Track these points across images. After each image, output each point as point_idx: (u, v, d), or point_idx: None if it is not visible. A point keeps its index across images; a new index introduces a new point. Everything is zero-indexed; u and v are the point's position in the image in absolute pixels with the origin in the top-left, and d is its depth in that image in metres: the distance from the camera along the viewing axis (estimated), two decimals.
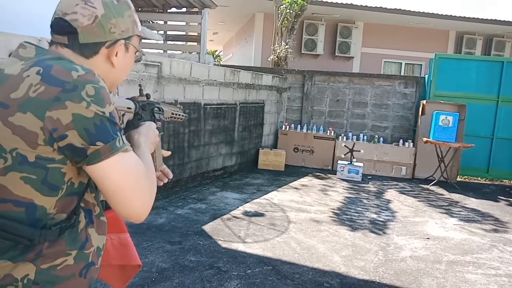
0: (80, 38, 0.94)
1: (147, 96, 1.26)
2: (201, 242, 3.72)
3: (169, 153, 1.36)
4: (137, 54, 1.08)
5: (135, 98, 1.22)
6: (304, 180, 6.66)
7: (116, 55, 1.00)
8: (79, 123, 0.82)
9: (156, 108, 1.27)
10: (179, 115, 1.51)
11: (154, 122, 1.23)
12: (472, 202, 5.91)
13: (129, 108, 1.14)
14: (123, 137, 0.90)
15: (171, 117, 1.46)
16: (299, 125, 8.10)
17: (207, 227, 4.12)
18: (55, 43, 0.97)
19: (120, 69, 1.04)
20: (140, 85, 1.33)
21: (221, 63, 18.19)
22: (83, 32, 0.94)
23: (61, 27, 0.94)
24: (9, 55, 0.95)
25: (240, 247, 3.67)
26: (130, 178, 0.89)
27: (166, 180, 1.27)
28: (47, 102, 0.82)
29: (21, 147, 0.83)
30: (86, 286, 0.98)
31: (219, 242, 3.75)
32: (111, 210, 1.68)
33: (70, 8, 0.93)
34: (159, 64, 4.86)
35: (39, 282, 0.87)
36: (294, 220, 4.53)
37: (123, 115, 1.11)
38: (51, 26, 0.96)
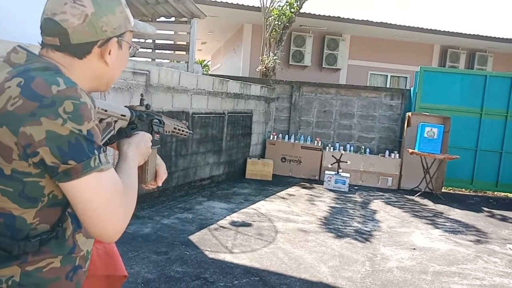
0: (71, 38, 0.91)
1: (147, 106, 1.23)
2: (187, 253, 3.67)
3: (165, 175, 1.30)
4: (131, 49, 1.06)
5: (134, 107, 1.19)
6: (292, 190, 6.66)
7: (109, 54, 0.97)
8: (52, 140, 0.80)
9: (155, 120, 1.24)
10: (183, 131, 1.46)
11: (151, 134, 1.20)
12: (457, 213, 5.99)
13: (123, 116, 1.10)
14: (102, 155, 0.86)
15: (173, 132, 1.41)
16: (286, 135, 8.14)
17: (193, 237, 4.07)
18: (46, 45, 0.94)
19: (115, 67, 1.01)
20: (142, 95, 1.31)
21: (210, 72, 18.21)
22: (74, 32, 0.90)
23: (51, 28, 0.91)
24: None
25: (227, 257, 3.64)
26: (101, 199, 0.85)
27: (152, 187, 1.27)
28: (22, 117, 0.80)
29: None
30: None
31: (206, 252, 3.71)
32: None
33: (59, 8, 0.90)
34: (148, 72, 4.84)
35: (24, 284, 0.87)
36: (281, 230, 4.51)
37: (115, 121, 1.08)
38: (41, 27, 0.93)
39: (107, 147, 1.12)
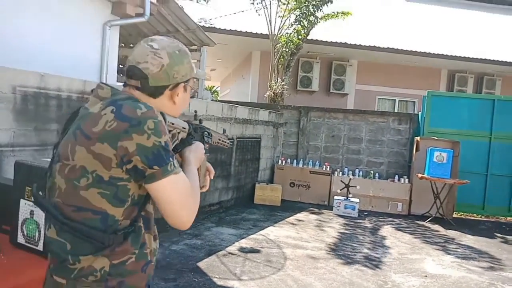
0: (150, 82, 1.18)
1: (200, 120, 1.50)
2: (196, 280, 3.66)
3: (213, 172, 1.53)
4: (192, 91, 1.33)
5: (190, 121, 1.44)
6: (301, 216, 6.62)
7: (177, 95, 1.24)
8: (141, 151, 1.06)
9: (206, 132, 1.49)
10: (225, 142, 1.69)
11: (202, 143, 1.44)
12: (469, 239, 5.88)
13: (184, 128, 1.36)
14: (175, 161, 1.12)
15: (218, 143, 1.63)
16: (295, 160, 8.15)
17: (202, 264, 4.06)
18: (128, 85, 1.21)
19: (180, 105, 1.28)
20: (195, 111, 1.56)
21: (219, 98, 18.45)
22: (152, 77, 1.17)
23: (135, 73, 1.18)
24: (92, 91, 1.22)
25: (235, 284, 3.61)
26: (177, 195, 1.12)
27: (207, 185, 1.50)
28: (118, 135, 1.06)
29: (99, 169, 1.08)
30: (145, 280, 1.21)
31: (214, 279, 3.70)
32: None
33: (142, 58, 1.17)
34: None
35: (112, 274, 1.12)
36: (290, 257, 4.48)
37: (179, 133, 1.33)
38: (126, 71, 1.20)
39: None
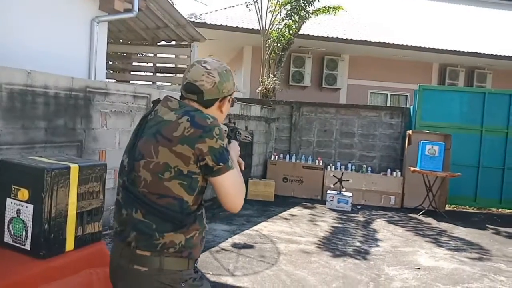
0: (204, 96, 1.48)
1: (234, 123, 1.81)
2: None
3: (243, 163, 1.74)
4: (231, 102, 1.62)
5: (228, 124, 1.71)
6: (294, 211, 6.62)
7: (223, 106, 1.54)
8: (211, 151, 1.37)
9: (238, 132, 1.76)
10: (248, 137, 1.96)
11: (235, 140, 1.72)
12: (461, 231, 5.92)
13: (226, 131, 1.63)
14: (231, 159, 1.43)
15: (243, 138, 1.88)
16: (288, 155, 8.14)
17: None
18: (186, 98, 1.51)
19: (224, 113, 1.59)
20: (229, 115, 1.75)
21: None
22: (206, 92, 1.48)
23: (192, 89, 1.48)
24: (152, 102, 1.54)
25: (229, 280, 3.60)
26: (233, 185, 1.43)
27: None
28: (195, 139, 1.36)
29: (180, 165, 1.37)
30: (200, 251, 1.51)
31: (208, 275, 3.67)
32: (95, 244, 1.72)
33: (198, 77, 1.47)
34: (149, 95, 4.90)
35: (185, 246, 1.42)
36: (284, 252, 4.47)
37: None
38: (184, 87, 1.50)
39: None
